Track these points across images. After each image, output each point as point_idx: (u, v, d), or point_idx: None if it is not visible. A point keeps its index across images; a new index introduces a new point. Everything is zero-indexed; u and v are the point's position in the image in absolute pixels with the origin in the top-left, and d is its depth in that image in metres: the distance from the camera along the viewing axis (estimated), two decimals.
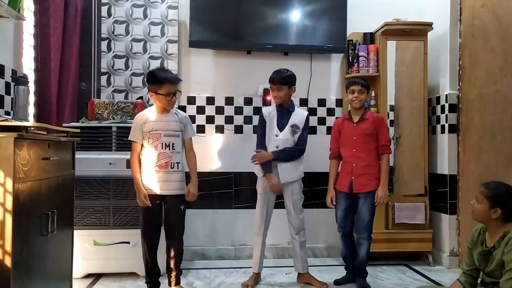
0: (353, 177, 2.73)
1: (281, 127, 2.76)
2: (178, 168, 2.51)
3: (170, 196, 2.49)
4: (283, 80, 2.71)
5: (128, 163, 2.78)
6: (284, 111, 2.78)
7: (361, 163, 2.72)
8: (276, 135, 2.74)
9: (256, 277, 2.84)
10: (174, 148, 2.49)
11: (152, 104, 2.59)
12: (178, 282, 2.57)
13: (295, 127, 2.75)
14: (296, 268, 2.86)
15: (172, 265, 2.54)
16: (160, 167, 2.47)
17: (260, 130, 2.82)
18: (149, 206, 2.45)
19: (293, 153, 2.74)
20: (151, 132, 2.48)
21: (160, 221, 2.57)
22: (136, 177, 2.47)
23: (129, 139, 2.52)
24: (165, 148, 2.47)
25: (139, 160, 2.51)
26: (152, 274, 2.55)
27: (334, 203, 2.83)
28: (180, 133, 2.54)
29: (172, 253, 2.53)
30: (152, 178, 2.47)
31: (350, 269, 2.87)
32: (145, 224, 2.52)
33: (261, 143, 2.78)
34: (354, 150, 2.75)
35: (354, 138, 2.75)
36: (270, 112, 2.81)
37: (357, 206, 2.77)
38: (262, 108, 2.91)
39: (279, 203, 2.86)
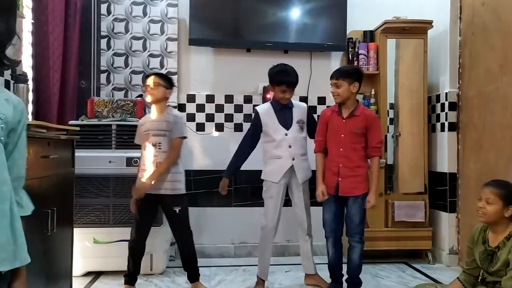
0: (339, 179, 2.48)
1: (286, 125, 2.64)
2: None
3: (163, 196, 2.54)
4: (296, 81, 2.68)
5: (128, 161, 2.83)
6: (285, 109, 2.68)
7: (348, 164, 2.48)
8: (286, 134, 2.63)
9: (263, 284, 2.71)
10: (160, 148, 2.53)
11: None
12: (194, 279, 2.64)
13: (301, 122, 2.68)
14: (306, 269, 2.77)
15: (184, 263, 2.66)
16: (148, 166, 2.53)
17: (252, 130, 2.70)
18: (140, 204, 2.54)
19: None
20: (144, 132, 2.58)
21: (148, 222, 2.60)
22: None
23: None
24: (153, 148, 2.53)
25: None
26: (130, 270, 2.59)
27: (326, 198, 2.60)
28: (167, 133, 2.54)
29: (180, 252, 2.69)
30: (143, 177, 2.54)
31: (338, 278, 2.62)
32: (135, 221, 2.60)
33: (245, 148, 2.71)
34: (341, 150, 2.49)
35: (342, 136, 2.49)
36: (266, 111, 2.68)
37: (345, 208, 2.55)
38: (257, 107, 2.75)
39: None
